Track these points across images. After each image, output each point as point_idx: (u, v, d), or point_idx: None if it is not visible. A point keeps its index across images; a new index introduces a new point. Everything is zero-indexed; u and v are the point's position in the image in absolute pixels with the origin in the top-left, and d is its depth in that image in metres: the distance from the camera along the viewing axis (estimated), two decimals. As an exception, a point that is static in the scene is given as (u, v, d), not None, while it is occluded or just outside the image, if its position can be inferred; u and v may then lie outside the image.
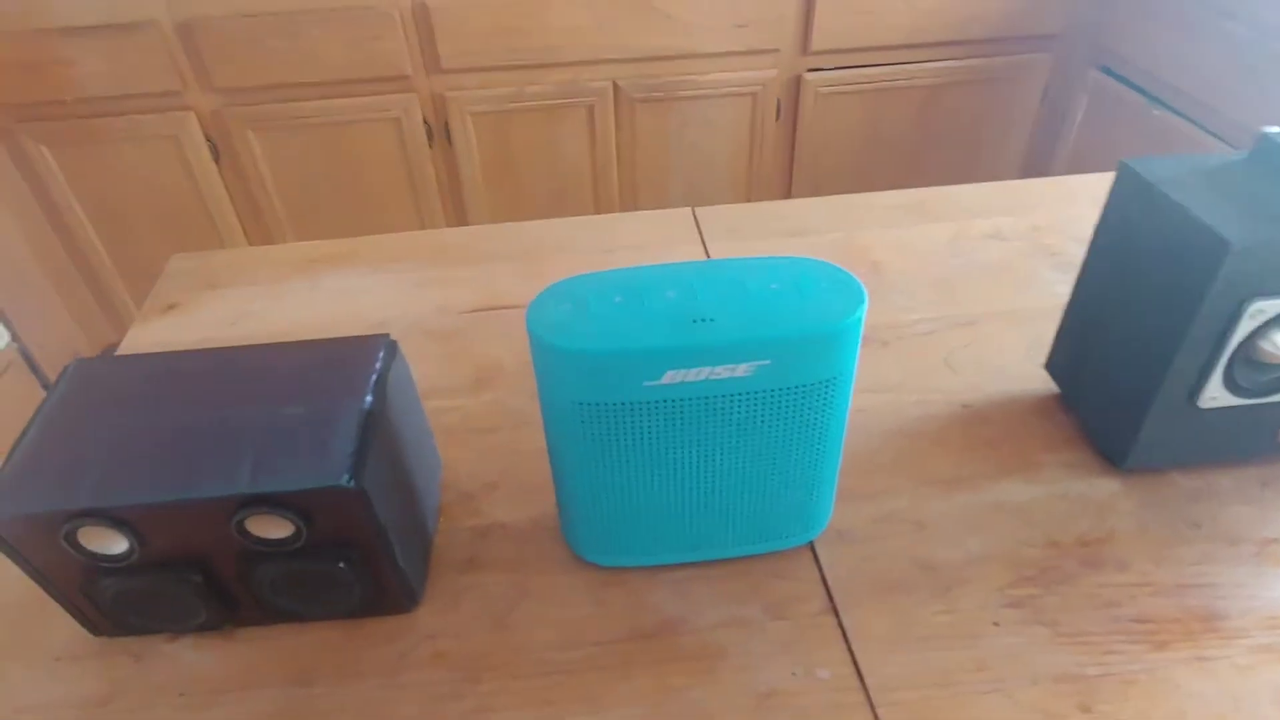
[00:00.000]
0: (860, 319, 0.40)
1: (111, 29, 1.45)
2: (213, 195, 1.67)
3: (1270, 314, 0.44)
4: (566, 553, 0.50)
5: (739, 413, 0.40)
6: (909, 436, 0.56)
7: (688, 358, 0.38)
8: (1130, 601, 0.46)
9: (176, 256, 0.77)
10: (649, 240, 0.78)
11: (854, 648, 0.44)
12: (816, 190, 1.92)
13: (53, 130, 1.54)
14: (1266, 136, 0.47)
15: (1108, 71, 1.70)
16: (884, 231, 0.79)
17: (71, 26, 1.43)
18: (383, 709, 0.42)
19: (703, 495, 0.44)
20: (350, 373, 0.44)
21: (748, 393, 0.40)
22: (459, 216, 1.83)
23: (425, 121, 1.66)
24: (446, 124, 1.68)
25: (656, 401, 0.39)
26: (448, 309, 0.70)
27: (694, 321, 0.38)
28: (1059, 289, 0.69)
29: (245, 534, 0.40)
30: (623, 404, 0.39)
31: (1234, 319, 0.44)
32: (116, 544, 0.40)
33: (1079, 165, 1.84)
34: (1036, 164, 1.94)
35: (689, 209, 0.82)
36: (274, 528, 0.40)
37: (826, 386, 0.41)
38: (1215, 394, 0.48)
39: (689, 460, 0.42)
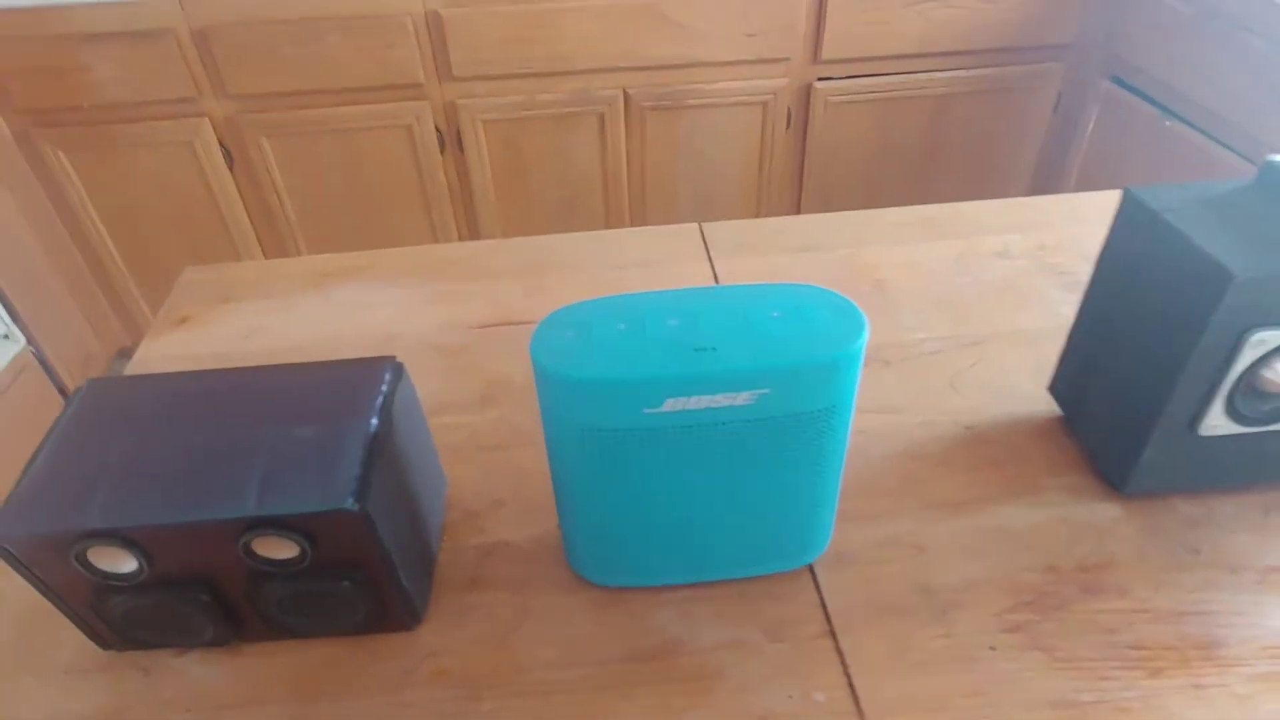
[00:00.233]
0: (861, 348, 0.40)
1: (129, 36, 1.47)
2: (226, 201, 1.69)
3: (1272, 344, 0.44)
4: (569, 573, 0.50)
5: (739, 440, 0.41)
6: (912, 459, 0.57)
7: (688, 386, 0.38)
8: (1128, 628, 0.46)
9: (190, 269, 0.78)
10: (656, 256, 0.79)
11: (851, 671, 0.44)
12: (826, 199, 1.92)
13: (70, 136, 1.56)
14: (1271, 165, 0.47)
15: (1120, 82, 1.69)
16: (891, 248, 0.79)
17: (90, 33, 1.45)
18: (385, 727, 0.43)
19: (703, 519, 0.45)
20: (357, 395, 0.44)
21: (748, 421, 0.40)
22: (470, 223, 1.84)
23: (437, 129, 1.68)
24: (458, 131, 1.69)
25: (657, 429, 0.40)
26: (456, 324, 0.71)
27: (695, 350, 0.39)
28: (1065, 309, 0.69)
29: (251, 555, 0.41)
30: (624, 430, 0.40)
31: (1236, 349, 0.44)
32: (126, 563, 0.41)
33: (1090, 176, 1.83)
34: (1047, 174, 1.94)
35: (696, 225, 0.83)
36: (280, 549, 0.41)
37: (826, 414, 0.41)
38: (1217, 422, 0.48)
39: (689, 485, 0.43)
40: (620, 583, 0.49)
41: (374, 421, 0.43)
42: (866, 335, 0.40)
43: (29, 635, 0.48)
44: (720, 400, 0.39)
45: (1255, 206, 0.47)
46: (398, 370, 0.47)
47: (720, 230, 0.82)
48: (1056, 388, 0.59)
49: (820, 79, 1.74)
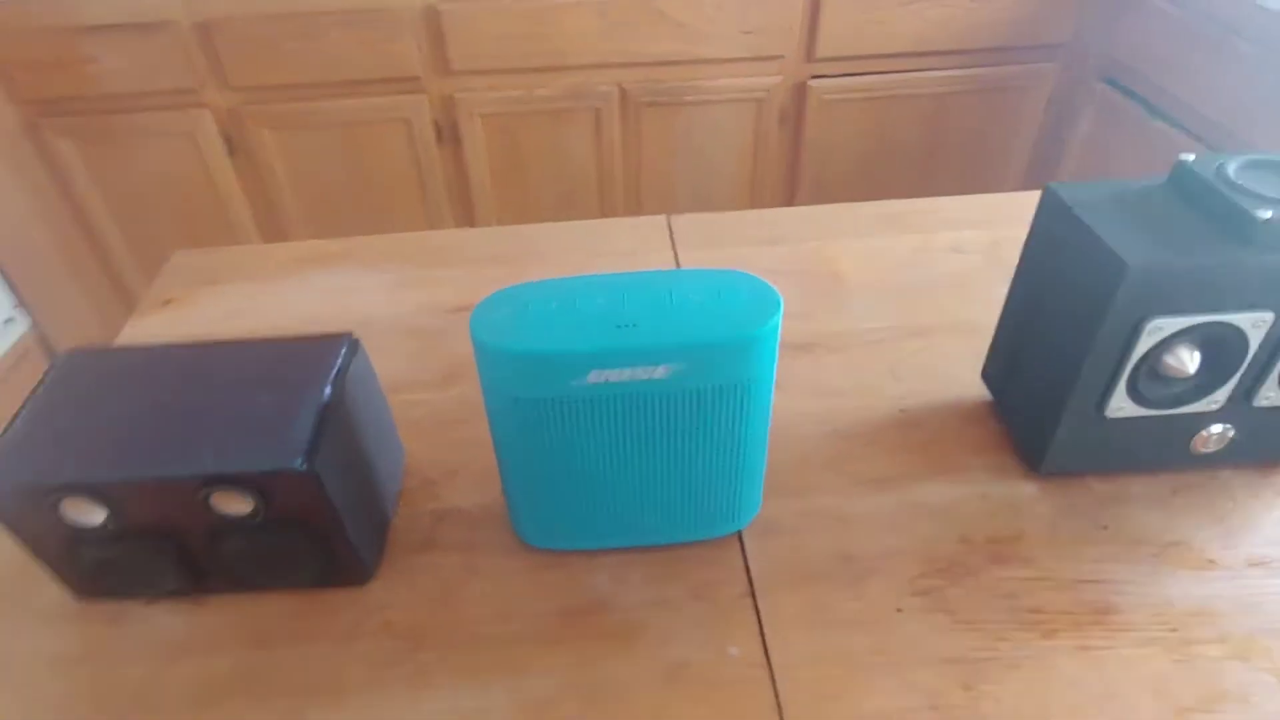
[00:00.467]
0: (775, 329, 0.43)
1: (133, 28, 1.51)
2: (228, 191, 1.73)
3: (1168, 331, 0.47)
4: (513, 537, 0.54)
5: (659, 411, 0.44)
6: (845, 439, 0.60)
7: (609, 359, 0.42)
8: (1028, 594, 0.49)
9: (178, 253, 0.82)
10: (627, 247, 0.82)
11: (765, 629, 0.48)
12: (820, 197, 1.95)
13: (75, 125, 1.60)
14: (1181, 163, 0.50)
15: (1113, 83, 1.71)
16: (854, 241, 0.82)
17: (96, 25, 1.50)
18: (332, 671, 0.47)
19: (632, 486, 0.48)
20: (313, 367, 0.48)
21: (666, 393, 0.43)
22: (466, 216, 1.88)
23: (434, 122, 1.71)
24: (456, 125, 1.72)
25: (583, 399, 0.43)
26: (429, 308, 0.75)
27: (618, 327, 0.42)
28: (1008, 301, 0.72)
29: (210, 510, 0.44)
30: (552, 400, 0.43)
31: (1134, 335, 0.47)
32: (95, 515, 0.44)
33: (1082, 176, 1.85)
34: (1040, 174, 1.95)
35: (664, 217, 0.86)
36: (236, 504, 0.44)
37: (741, 389, 0.44)
38: (1121, 404, 0.51)
39: (616, 453, 0.46)
40: (559, 546, 0.52)
41: (327, 390, 0.47)
42: (780, 317, 0.43)
43: (8, 583, 0.52)
44: (640, 373, 0.42)
45: (1164, 204, 0.50)
46: (353, 345, 0.50)
47: (688, 222, 0.85)
48: (987, 374, 0.62)
49: (814, 77, 1.77)
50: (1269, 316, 0.46)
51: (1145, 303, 0.46)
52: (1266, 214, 0.44)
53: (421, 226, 1.86)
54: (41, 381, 0.48)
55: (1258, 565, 0.51)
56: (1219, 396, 0.50)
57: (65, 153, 1.63)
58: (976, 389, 0.63)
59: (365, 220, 1.83)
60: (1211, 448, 0.54)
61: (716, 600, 0.49)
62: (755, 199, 1.95)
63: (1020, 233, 0.56)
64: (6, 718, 0.45)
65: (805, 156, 1.89)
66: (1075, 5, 1.69)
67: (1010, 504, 0.55)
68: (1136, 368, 0.49)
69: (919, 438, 0.60)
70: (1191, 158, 0.50)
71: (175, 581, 0.48)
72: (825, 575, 0.51)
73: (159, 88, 1.58)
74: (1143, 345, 0.48)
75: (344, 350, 0.49)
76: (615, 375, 0.42)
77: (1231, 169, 0.48)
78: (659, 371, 0.42)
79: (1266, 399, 0.51)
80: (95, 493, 0.43)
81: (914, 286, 0.75)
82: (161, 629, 0.49)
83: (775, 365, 0.45)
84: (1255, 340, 0.47)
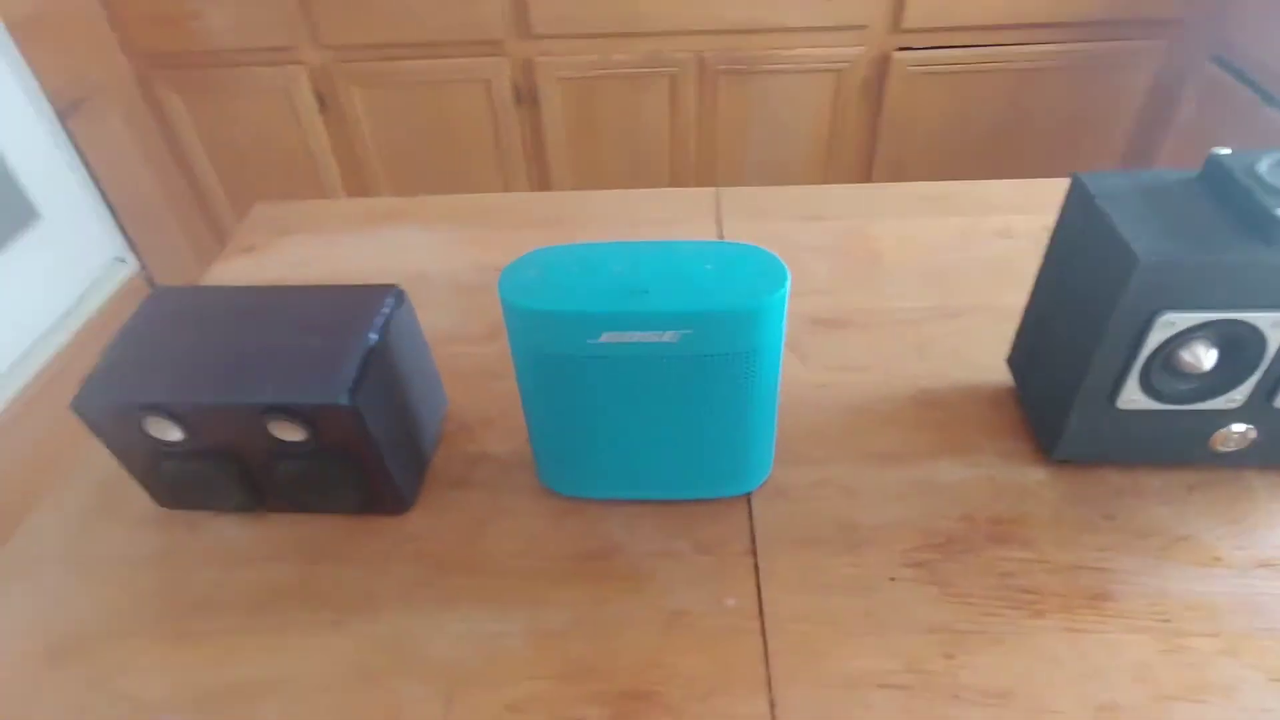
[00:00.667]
0: (781, 300, 0.46)
1: (238, -14, 1.60)
2: (318, 145, 1.82)
3: (1181, 326, 0.47)
4: (538, 482, 0.58)
5: (668, 374, 0.47)
6: (861, 413, 0.62)
7: (621, 322, 0.45)
8: (1023, 574, 0.51)
9: (259, 204, 0.89)
10: (670, 216, 0.85)
11: (762, 585, 0.51)
12: (897, 173, 1.91)
13: (183, 78, 1.72)
14: (1214, 157, 0.50)
15: (1223, 64, 1.61)
16: (898, 221, 0.82)
17: (204, -17, 1.59)
18: (370, 588, 0.52)
19: (645, 441, 0.52)
20: (363, 314, 0.53)
21: (674, 357, 0.46)
22: (541, 177, 1.92)
23: (514, 84, 1.75)
24: (534, 88, 1.76)
25: (596, 358, 0.47)
26: (479, 266, 0.79)
27: (631, 292, 0.45)
28: (1050, 288, 0.72)
29: (269, 435, 0.50)
30: (569, 356, 0.47)
31: (1146, 328, 0.48)
32: (174, 433, 0.51)
33: (1183, 163, 1.75)
34: (1136, 160, 1.86)
35: (713, 190, 0.88)
36: (291, 432, 0.50)
37: (748, 357, 0.47)
38: (1134, 397, 0.51)
39: (629, 409, 0.50)
40: (578, 494, 0.57)
41: (373, 336, 0.52)
42: (786, 291, 0.46)
43: (105, 492, 0.59)
44: (650, 336, 0.46)
45: (1192, 198, 0.49)
46: (399, 296, 0.55)
47: (735, 195, 0.87)
48: (1011, 359, 0.63)
49: (899, 49, 1.73)
50: (1290, 317, 0.46)
51: (1157, 296, 0.46)
52: (1290, 213, 0.43)
53: (496, 187, 1.92)
54: (134, 314, 0.55)
55: (1266, 566, 0.51)
56: (1237, 395, 0.50)
57: (173, 105, 1.74)
58: (1001, 374, 0.64)
59: (442, 178, 1.89)
60: (1232, 446, 0.53)
61: (719, 555, 0.53)
62: (829, 174, 1.92)
63: (1074, 220, 0.56)
64: (94, 607, 0.53)
65: (884, 132, 1.85)
66: (1190, -23, 1.60)
67: (1018, 487, 0.56)
68: (1150, 361, 0.49)
69: (936, 418, 0.61)
70: (1226, 152, 0.49)
71: (240, 497, 0.54)
72: (825, 540, 0.53)
73: (258, 45, 1.68)
74: (1155, 339, 0.48)
75: (391, 300, 0.54)
76: (626, 337, 0.46)
77: (1264, 166, 0.47)
78: (667, 336, 0.46)
79: (1289, 400, 0.50)
80: (173, 413, 0.50)
81: (953, 269, 0.75)
82: (228, 539, 0.56)
83: (782, 337, 0.48)
84: (1275, 341, 0.47)
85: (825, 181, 1.92)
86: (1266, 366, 0.48)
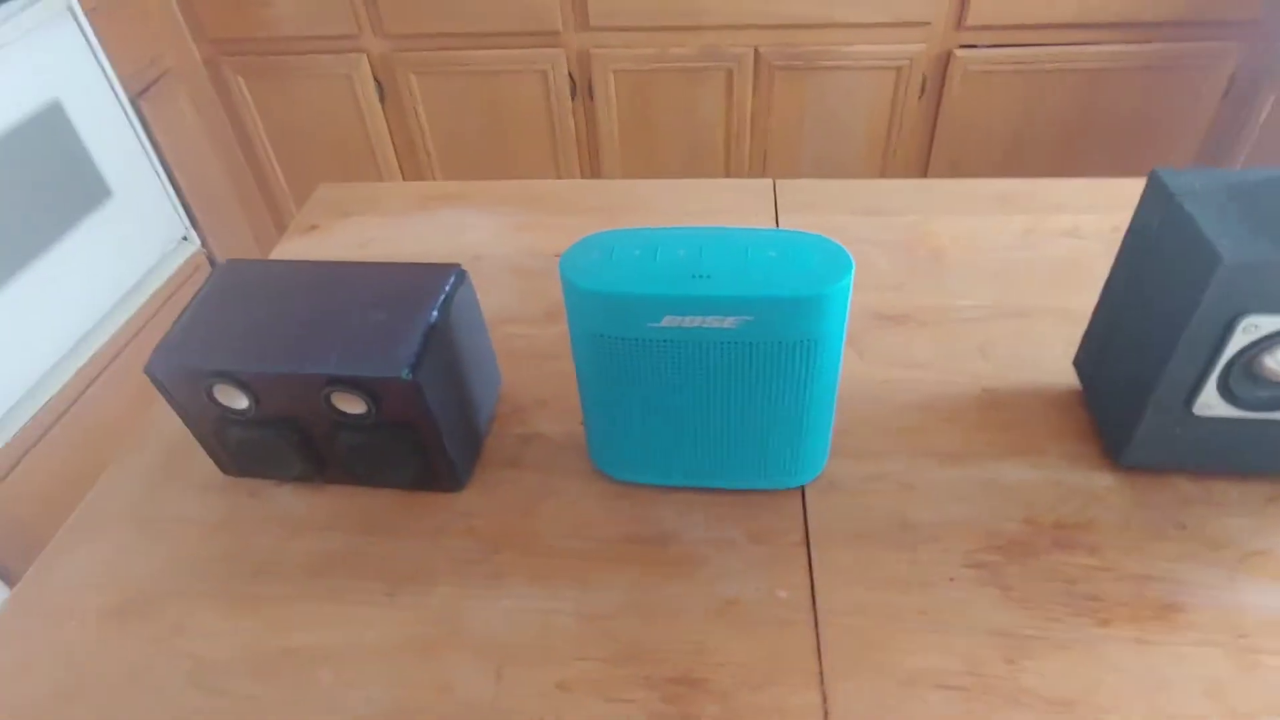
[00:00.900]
0: (845, 290, 0.45)
1: (304, -24, 1.63)
2: (376, 131, 1.85)
3: (1265, 330, 0.45)
4: (590, 465, 0.58)
5: (727, 360, 0.47)
6: (923, 411, 0.61)
7: (682, 306, 0.45)
8: (1088, 581, 0.49)
9: (323, 186, 0.91)
10: (726, 206, 0.84)
11: (815, 577, 0.50)
12: (954, 172, 1.87)
13: (248, 64, 1.76)
14: (1310, 155, 0.48)
15: (1303, 66, 1.54)
16: (960, 218, 0.81)
17: (272, -29, 1.63)
18: (422, 562, 0.53)
19: (701, 428, 0.51)
20: (425, 292, 0.54)
21: (734, 343, 0.46)
22: (594, 169, 1.93)
23: (570, 76, 1.76)
24: (590, 80, 1.77)
25: (657, 340, 0.47)
26: (537, 250, 0.80)
27: (693, 277, 0.45)
28: (1121, 291, 0.69)
29: (331, 406, 0.51)
30: (629, 339, 0.47)
31: (1227, 332, 0.46)
32: (240, 401, 0.52)
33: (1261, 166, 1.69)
34: (1211, 164, 1.80)
35: (770, 180, 0.87)
36: (352, 404, 0.51)
37: (809, 346, 0.46)
38: (1211, 402, 0.49)
39: (685, 395, 0.49)
40: (631, 478, 0.56)
41: (434, 314, 0.52)
42: (850, 280, 0.45)
43: (173, 457, 0.61)
44: (710, 321, 0.45)
45: (1279, 196, 0.47)
46: (460, 276, 0.55)
47: (793, 187, 0.86)
48: (1079, 361, 0.61)
49: (962, 46, 1.69)
50: (1387, 324, 0.44)
51: (1240, 298, 0.44)
52: (1394, 214, 0.41)
53: (550, 176, 1.93)
54: (204, 284, 0.56)
55: (1349, 585, 0.48)
56: (1325, 404, 0.48)
57: (238, 89, 1.79)
58: (1067, 376, 0.62)
59: (496, 167, 1.91)
60: (1315, 458, 0.51)
61: (774, 545, 0.52)
62: (885, 171, 1.89)
63: (1143, 221, 0.54)
64: (159, 568, 0.54)
65: (943, 132, 1.81)
66: (1271, -23, 1.53)
67: (1084, 492, 0.54)
68: (1229, 366, 0.47)
69: (999, 418, 0.60)
70: (1326, 150, 0.47)
71: (301, 467, 0.55)
72: (881, 536, 0.52)
73: (323, 33, 1.71)
74: (1236, 343, 0.46)
75: (453, 280, 0.55)
76: (687, 321, 0.45)
77: (1365, 164, 0.45)
78: (729, 322, 0.45)
79: (1381, 412, 0.48)
80: (240, 381, 0.51)
81: (1018, 268, 0.73)
82: (287, 507, 0.57)
83: (845, 327, 0.47)
84: (1369, 348, 0.45)
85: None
86: (1359, 375, 0.46)
